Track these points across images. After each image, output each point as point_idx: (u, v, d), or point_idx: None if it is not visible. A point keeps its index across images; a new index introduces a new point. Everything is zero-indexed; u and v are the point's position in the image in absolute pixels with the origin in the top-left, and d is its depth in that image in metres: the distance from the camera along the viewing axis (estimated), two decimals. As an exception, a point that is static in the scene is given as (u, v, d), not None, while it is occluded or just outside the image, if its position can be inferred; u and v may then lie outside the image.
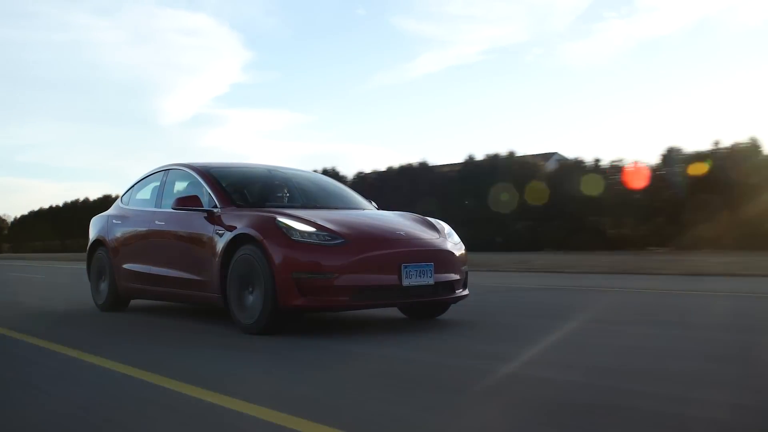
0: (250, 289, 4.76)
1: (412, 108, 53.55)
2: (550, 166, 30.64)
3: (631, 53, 45.19)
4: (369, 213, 5.66)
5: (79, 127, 68.47)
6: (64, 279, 13.73)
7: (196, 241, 5.36)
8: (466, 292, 5.26)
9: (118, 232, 6.52)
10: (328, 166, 30.41)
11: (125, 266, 6.30)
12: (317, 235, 4.63)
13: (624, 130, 44.64)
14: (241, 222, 4.95)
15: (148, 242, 6.05)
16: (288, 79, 60.00)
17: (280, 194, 5.92)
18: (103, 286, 6.68)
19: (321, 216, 4.99)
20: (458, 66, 51.13)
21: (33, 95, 66.16)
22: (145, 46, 60.50)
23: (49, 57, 62.03)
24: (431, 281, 4.79)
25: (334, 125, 57.29)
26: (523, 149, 50.06)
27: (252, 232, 4.74)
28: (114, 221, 6.68)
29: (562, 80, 47.81)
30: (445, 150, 50.90)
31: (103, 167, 71.90)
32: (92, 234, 7.06)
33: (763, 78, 40.69)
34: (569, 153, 28.52)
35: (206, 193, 5.52)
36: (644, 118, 43.34)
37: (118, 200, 7.01)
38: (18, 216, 55.83)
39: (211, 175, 5.69)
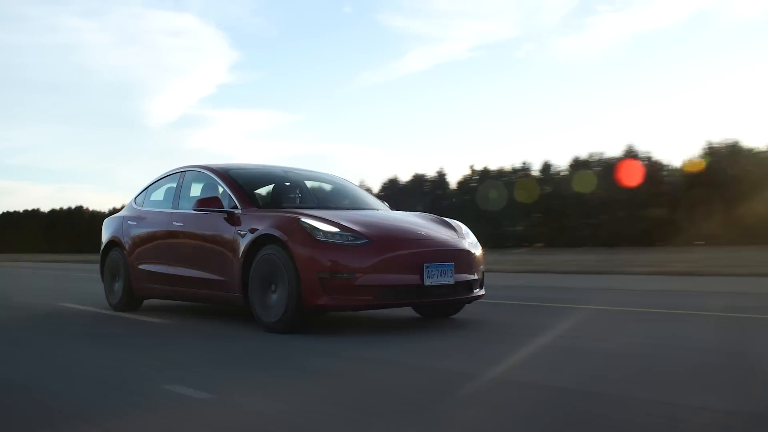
0: (273, 288, 4.84)
1: (401, 107, 53.48)
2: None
3: (625, 47, 45.26)
4: (388, 213, 5.75)
5: (67, 129, 67.97)
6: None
7: (216, 241, 5.42)
8: (482, 291, 5.35)
9: (134, 233, 6.56)
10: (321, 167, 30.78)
11: (141, 267, 6.35)
12: (341, 235, 4.71)
13: (618, 126, 44.77)
14: (263, 222, 5.03)
15: (166, 243, 6.10)
16: (275, 78, 59.74)
17: (295, 195, 6.01)
18: (118, 286, 6.72)
19: (342, 216, 5.08)
20: (447, 63, 51.12)
21: (20, 98, 65.59)
22: (132, 48, 60.13)
23: (37, 60, 61.54)
24: (452, 281, 4.88)
25: (322, 125, 57.14)
26: (514, 148, 50.52)
27: (276, 232, 4.82)
28: (129, 222, 6.73)
29: (554, 76, 47.84)
30: (435, 150, 50.91)
31: (91, 169, 71.45)
32: (106, 235, 7.10)
33: (762, 71, 40.83)
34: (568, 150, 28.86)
35: (225, 194, 5.60)
36: (639, 113, 43.45)
37: (131, 201, 7.05)
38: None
39: (230, 176, 5.76)
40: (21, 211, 53.26)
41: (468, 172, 30.13)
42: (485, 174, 29.44)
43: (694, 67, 43.38)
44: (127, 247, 6.60)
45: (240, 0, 55.77)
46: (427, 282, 4.74)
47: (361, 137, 55.27)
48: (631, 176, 23.33)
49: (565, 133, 45.42)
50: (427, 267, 4.74)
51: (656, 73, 45.68)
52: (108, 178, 70.55)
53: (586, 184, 24.31)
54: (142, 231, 6.47)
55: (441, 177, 31.52)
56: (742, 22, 40.75)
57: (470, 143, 50.09)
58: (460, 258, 5.01)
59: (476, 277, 5.18)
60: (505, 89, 50.52)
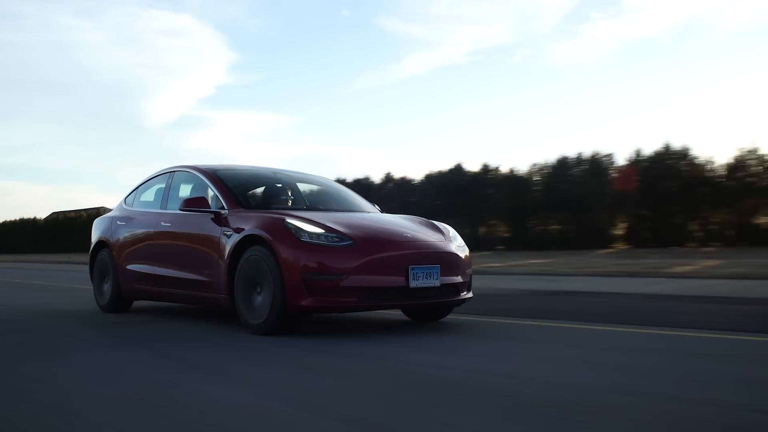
0: (258, 289, 4.81)
1: (400, 110, 53.61)
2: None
3: (617, 54, 45.50)
4: (375, 216, 5.73)
5: (65, 129, 67.74)
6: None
7: (203, 242, 5.40)
8: (470, 294, 5.32)
9: (123, 234, 6.54)
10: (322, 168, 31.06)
11: (130, 267, 6.33)
12: (326, 236, 4.69)
13: (611, 132, 44.98)
14: (248, 223, 5.00)
15: (153, 243, 6.07)
16: (273, 80, 59.73)
17: (284, 196, 5.99)
18: (106, 287, 6.69)
19: (328, 218, 5.06)
20: (445, 67, 51.32)
21: (17, 97, 65.28)
22: (129, 48, 59.97)
23: (32, 58, 61.26)
24: (437, 283, 4.85)
25: (321, 127, 57.13)
26: (511, 150, 50.76)
27: (261, 233, 4.79)
28: (118, 222, 6.71)
29: (549, 81, 48.01)
30: (433, 152, 50.92)
31: (90, 169, 71.19)
32: (95, 235, 7.08)
33: (749, 79, 41.00)
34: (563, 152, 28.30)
35: (213, 195, 5.58)
36: (631, 119, 43.56)
37: (121, 202, 7.03)
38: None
39: (218, 176, 5.74)
40: None
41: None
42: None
43: (684, 75, 43.56)
44: (115, 247, 6.58)
45: (237, 1, 55.85)
46: (413, 284, 4.71)
47: (361, 140, 55.37)
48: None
49: (559, 137, 45.56)
50: (413, 269, 4.72)
51: (648, 79, 45.86)
52: (106, 179, 70.49)
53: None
54: (130, 231, 6.45)
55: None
56: (731, 31, 40.99)
57: (467, 146, 50.18)
58: (447, 260, 4.99)
59: (463, 280, 5.16)
60: (502, 94, 50.70)
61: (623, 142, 45.70)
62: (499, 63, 50.30)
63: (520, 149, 49.30)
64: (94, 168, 71.35)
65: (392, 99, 54.73)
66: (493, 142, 47.93)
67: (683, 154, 20.88)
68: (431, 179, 26.99)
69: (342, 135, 55.95)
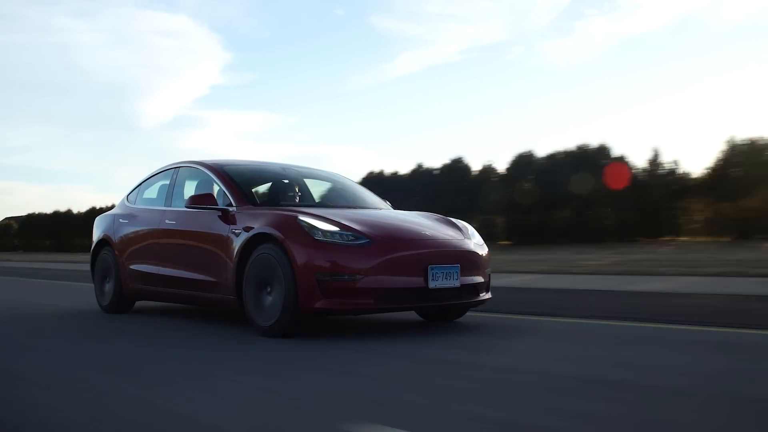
0: (269, 290, 4.58)
1: (393, 109, 53.28)
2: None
3: (613, 51, 45.12)
4: (390, 213, 5.49)
5: (62, 130, 67.49)
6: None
7: (210, 240, 5.16)
8: (489, 295, 5.08)
9: (125, 232, 6.30)
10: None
11: (132, 267, 6.09)
12: (341, 234, 4.45)
13: (606, 129, 44.70)
14: (258, 221, 4.77)
15: (157, 242, 5.83)
16: (267, 80, 59.44)
17: (293, 193, 5.75)
18: (108, 287, 6.45)
19: (343, 215, 4.82)
20: (438, 65, 50.99)
21: (14, 98, 65.06)
22: (125, 48, 59.85)
23: (29, 59, 61.07)
24: (457, 284, 4.62)
25: (315, 126, 56.84)
26: (505, 148, 50.66)
27: (272, 231, 4.56)
28: (121, 220, 6.46)
29: (543, 79, 47.60)
30: (427, 151, 50.65)
31: (86, 169, 70.93)
32: (96, 233, 6.84)
33: (747, 74, 40.60)
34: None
35: (220, 191, 5.34)
36: (626, 116, 43.17)
37: (124, 199, 6.79)
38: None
39: (225, 172, 5.50)
40: None
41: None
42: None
43: (680, 71, 43.09)
44: (118, 246, 6.34)
45: (232, 1, 55.61)
46: (432, 285, 4.48)
47: (354, 139, 55.06)
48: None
49: (554, 134, 45.35)
50: (432, 269, 4.48)
51: (643, 76, 45.46)
52: (103, 179, 70.31)
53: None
54: (133, 229, 6.21)
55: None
56: (728, 26, 40.60)
57: (462, 145, 49.98)
58: (466, 259, 4.75)
59: (483, 280, 4.92)
60: (496, 92, 50.28)
61: (617, 139, 45.30)
62: (493, 61, 49.97)
63: (514, 147, 49.01)
64: (90, 168, 71.28)
65: (386, 97, 54.49)
66: (487, 140, 47.47)
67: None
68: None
69: (336, 134, 55.70)
